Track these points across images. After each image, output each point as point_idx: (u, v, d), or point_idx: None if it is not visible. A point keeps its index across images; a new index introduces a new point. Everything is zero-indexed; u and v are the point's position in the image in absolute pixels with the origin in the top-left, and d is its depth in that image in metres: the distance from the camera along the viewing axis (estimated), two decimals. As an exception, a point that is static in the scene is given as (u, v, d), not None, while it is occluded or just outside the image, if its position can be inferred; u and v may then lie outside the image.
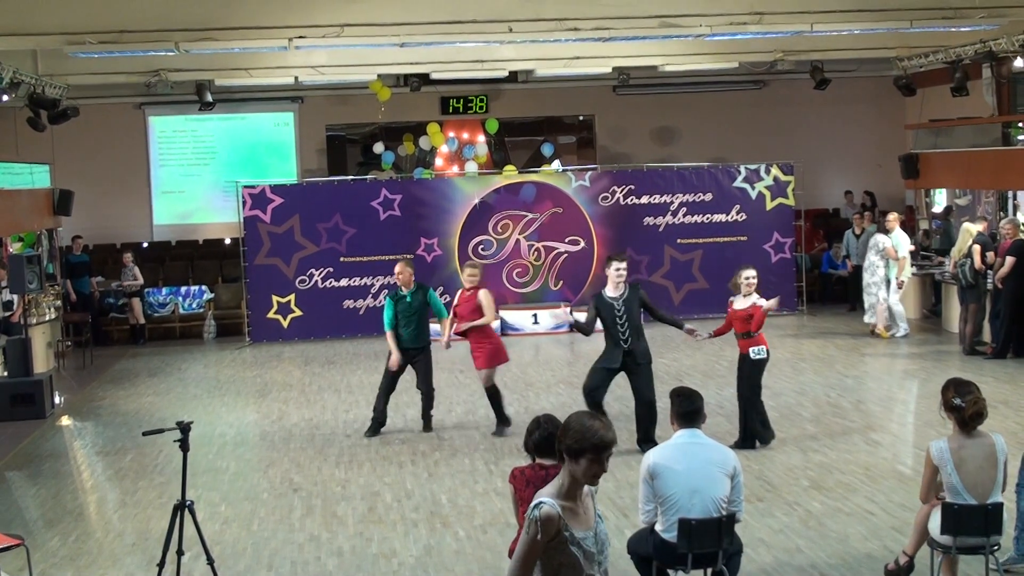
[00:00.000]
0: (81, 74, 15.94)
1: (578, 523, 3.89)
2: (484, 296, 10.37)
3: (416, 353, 10.58)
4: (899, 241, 15.12)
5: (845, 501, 8.10)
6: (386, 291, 11.19)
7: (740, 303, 9.46)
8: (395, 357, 10.47)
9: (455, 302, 10.72)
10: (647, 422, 9.49)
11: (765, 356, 9.41)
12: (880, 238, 15.21)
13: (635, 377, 9.50)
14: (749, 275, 9.49)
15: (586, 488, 3.98)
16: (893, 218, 15.35)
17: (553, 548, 3.85)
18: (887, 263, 15.16)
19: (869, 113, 22.14)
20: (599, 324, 9.53)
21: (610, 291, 9.51)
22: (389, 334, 10.52)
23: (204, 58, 16.00)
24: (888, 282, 15.18)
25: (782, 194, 17.83)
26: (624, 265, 9.58)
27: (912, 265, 16.46)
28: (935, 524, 6.03)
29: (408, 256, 14.83)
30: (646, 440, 9.31)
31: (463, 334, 10.42)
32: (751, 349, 9.38)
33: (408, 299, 10.52)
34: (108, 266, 19.44)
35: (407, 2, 12.83)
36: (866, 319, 15.61)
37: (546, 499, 3.87)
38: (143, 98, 20.35)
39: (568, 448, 3.88)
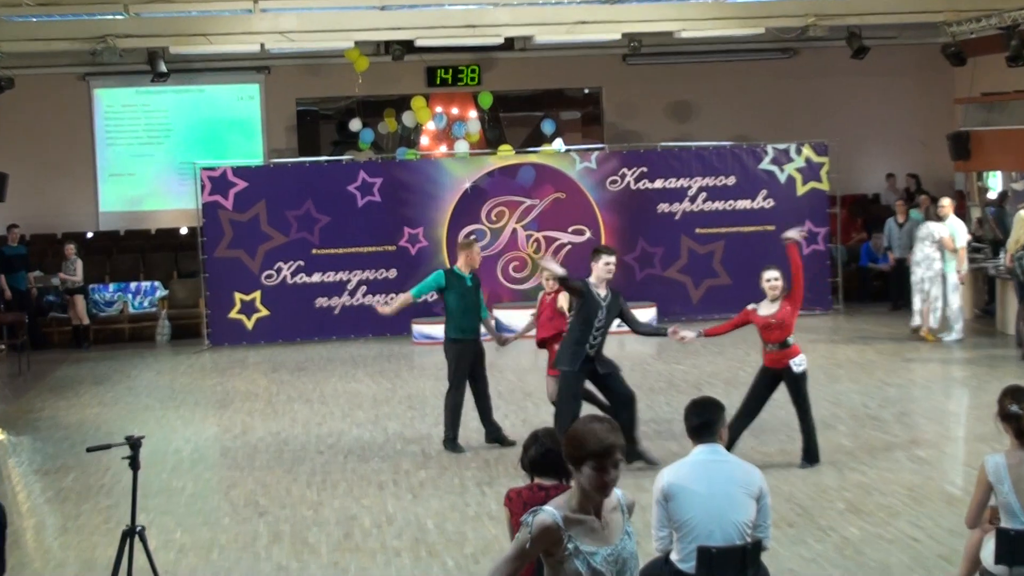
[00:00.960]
0: (17, 40, 15.94)
1: (592, 538, 3.97)
2: (565, 299, 10.28)
3: (477, 345, 10.65)
4: (956, 230, 15.06)
5: (886, 526, 8.10)
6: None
7: (765, 309, 9.39)
8: (390, 309, 10.84)
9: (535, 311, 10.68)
10: (631, 425, 9.43)
11: (806, 365, 9.39)
12: (934, 227, 15.14)
13: (605, 380, 9.47)
14: (771, 276, 9.40)
15: (615, 500, 4.09)
16: (947, 204, 15.29)
17: (557, 561, 3.95)
18: (943, 255, 15.09)
19: (913, 86, 22.15)
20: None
21: (596, 288, 9.44)
22: (408, 296, 10.75)
23: (157, 22, 15.99)
24: (944, 277, 15.10)
25: (815, 177, 17.85)
26: (614, 261, 9.53)
27: (963, 258, 16.47)
28: (988, 552, 6.02)
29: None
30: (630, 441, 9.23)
31: (543, 344, 10.43)
32: (792, 362, 9.28)
33: (468, 282, 10.65)
34: (48, 259, 19.41)
35: (388, -42, 12.83)
36: (917, 320, 15.50)
37: (547, 507, 3.96)
38: (88, 68, 20.32)
39: (570, 456, 4.00)
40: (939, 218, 15.25)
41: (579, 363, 9.33)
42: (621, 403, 9.51)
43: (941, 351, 14.73)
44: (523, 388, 13.22)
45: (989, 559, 6.02)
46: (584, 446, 3.94)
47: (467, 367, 10.62)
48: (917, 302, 15.38)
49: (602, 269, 9.42)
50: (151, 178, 21.39)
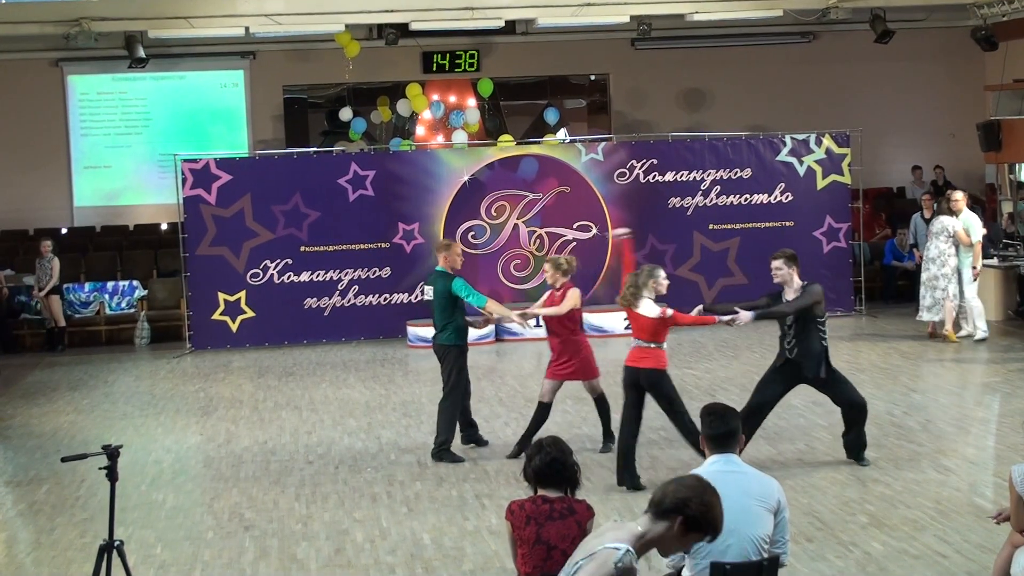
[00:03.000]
0: (-15, 24, 15.95)
1: None
2: (575, 297, 10.42)
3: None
4: (971, 223, 15.17)
5: (911, 541, 8.12)
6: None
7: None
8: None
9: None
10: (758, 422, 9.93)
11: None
12: (948, 221, 15.23)
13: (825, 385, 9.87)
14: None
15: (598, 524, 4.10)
16: (960, 197, 15.40)
17: None
18: (958, 250, 15.18)
19: (941, 72, 22.17)
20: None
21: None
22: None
23: (135, 4, 16.04)
24: (959, 274, 15.21)
25: (836, 170, 17.86)
26: (779, 264, 9.71)
27: (993, 255, 16.48)
28: (1019, 568, 6.04)
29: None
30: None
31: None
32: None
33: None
34: (19, 257, 19.43)
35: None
36: (925, 317, 15.60)
37: (630, 547, 4.01)
38: (61, 53, 20.34)
39: (691, 513, 4.13)
40: (952, 212, 15.31)
41: (780, 361, 9.73)
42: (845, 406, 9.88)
43: (969, 354, 14.75)
44: (524, 394, 13.24)
45: (1020, 574, 6.04)
46: (709, 518, 4.07)
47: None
48: (927, 299, 15.47)
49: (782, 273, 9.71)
50: (129, 171, 21.41)
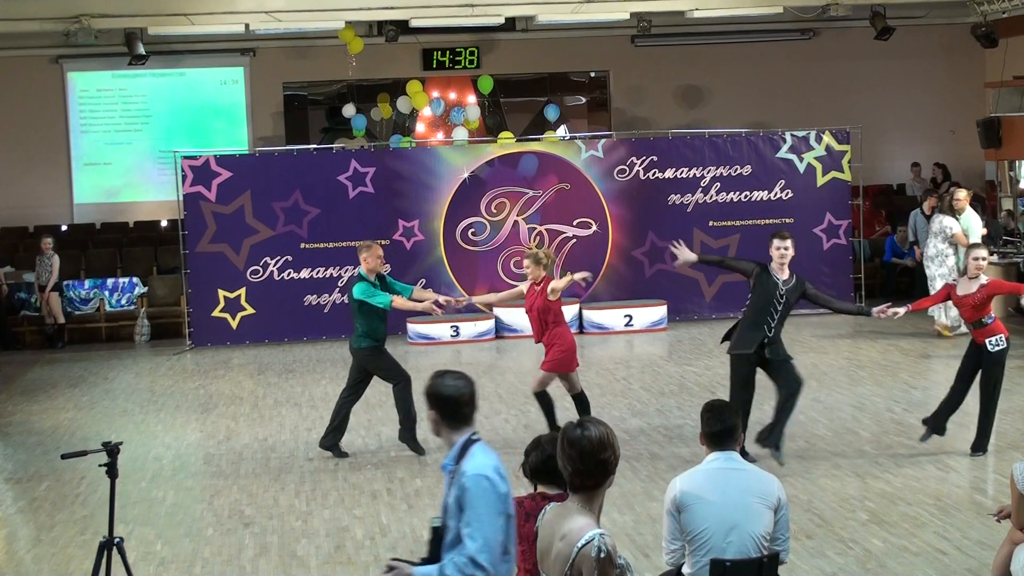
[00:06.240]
0: (-15, 21, 15.94)
1: None
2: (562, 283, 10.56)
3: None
4: (970, 224, 15.13)
5: (911, 538, 8.12)
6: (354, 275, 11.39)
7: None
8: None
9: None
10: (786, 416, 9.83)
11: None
12: (947, 220, 15.21)
13: (775, 367, 9.84)
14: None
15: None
16: (963, 196, 15.36)
17: None
18: (956, 250, 15.16)
19: (941, 69, 22.15)
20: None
21: (775, 272, 9.80)
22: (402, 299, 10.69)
23: (135, 1, 16.03)
24: (958, 273, 15.20)
25: (836, 167, 17.85)
26: (785, 244, 9.82)
27: (993, 252, 16.45)
28: (1019, 566, 6.04)
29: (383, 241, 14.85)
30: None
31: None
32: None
33: (388, 280, 10.95)
34: (19, 254, 19.42)
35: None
36: (936, 315, 15.58)
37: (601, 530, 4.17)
38: (61, 50, 20.32)
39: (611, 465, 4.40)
40: (953, 211, 15.27)
41: (755, 346, 9.65)
42: (788, 392, 9.79)
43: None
44: (524, 390, 13.23)
45: (1020, 572, 6.04)
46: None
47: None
48: None
49: (775, 253, 9.79)
50: (129, 168, 21.39)
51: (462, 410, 4.71)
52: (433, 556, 4.63)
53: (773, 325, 9.65)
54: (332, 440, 10.87)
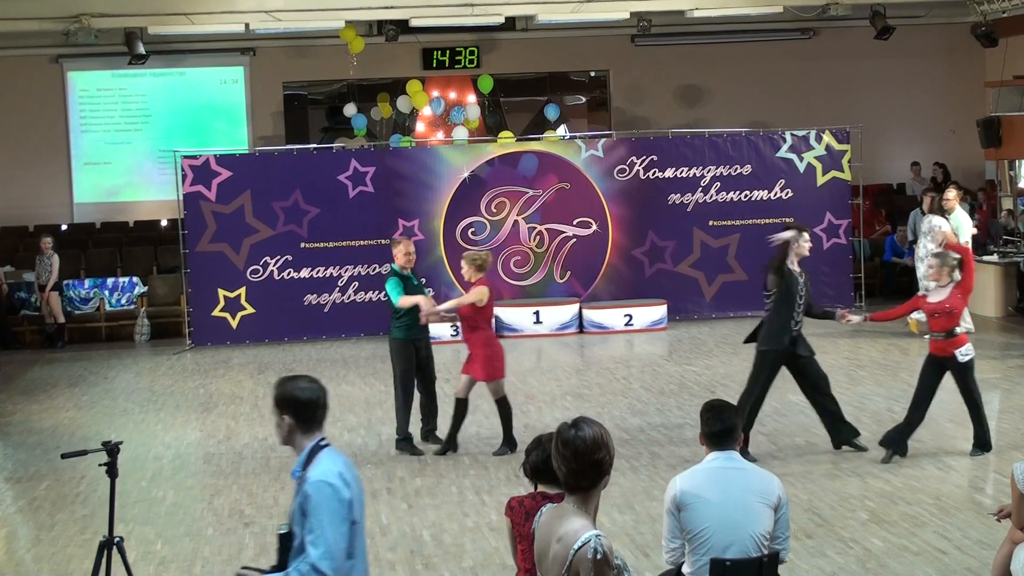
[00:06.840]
0: (-15, 20, 15.94)
1: None
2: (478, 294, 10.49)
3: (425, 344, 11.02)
4: (960, 223, 15.09)
5: (911, 538, 8.12)
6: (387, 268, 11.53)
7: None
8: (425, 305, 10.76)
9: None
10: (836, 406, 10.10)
11: None
12: (936, 221, 15.18)
13: (801, 363, 10.01)
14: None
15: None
16: (953, 196, 15.32)
17: None
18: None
19: (941, 69, 22.15)
20: None
21: (793, 267, 9.93)
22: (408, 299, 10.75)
23: (135, 1, 16.02)
24: None
25: (836, 166, 17.85)
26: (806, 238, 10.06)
27: (993, 252, 16.47)
28: (1019, 565, 6.04)
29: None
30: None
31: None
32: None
33: (414, 281, 11.06)
34: (19, 253, 19.42)
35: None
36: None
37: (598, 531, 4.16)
38: (61, 50, 20.32)
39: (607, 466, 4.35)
40: (943, 211, 15.22)
41: (787, 341, 9.82)
42: (815, 387, 10.02)
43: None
44: (525, 390, 13.24)
45: (1020, 571, 6.04)
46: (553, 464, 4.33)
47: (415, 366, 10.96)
48: None
49: (805, 246, 9.96)
50: (129, 167, 21.39)
51: (316, 413, 4.74)
52: (281, 563, 4.65)
53: (798, 319, 9.87)
54: (428, 427, 11.01)
